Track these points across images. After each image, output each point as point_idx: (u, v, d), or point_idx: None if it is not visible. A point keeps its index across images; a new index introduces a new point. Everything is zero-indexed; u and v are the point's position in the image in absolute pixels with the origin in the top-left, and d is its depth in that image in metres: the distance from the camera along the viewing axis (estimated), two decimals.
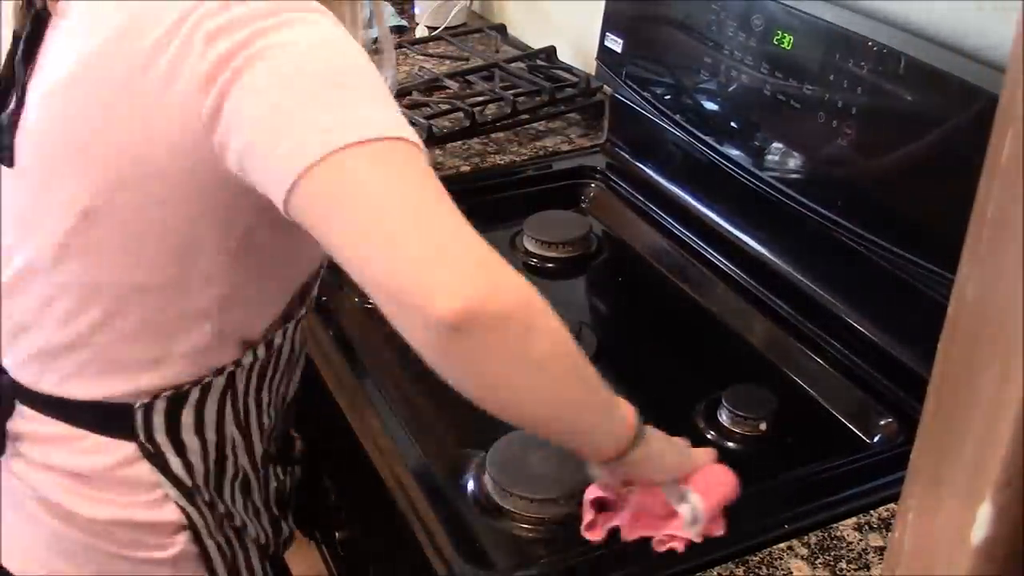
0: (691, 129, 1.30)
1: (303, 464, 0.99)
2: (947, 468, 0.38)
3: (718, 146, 1.25)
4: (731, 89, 1.22)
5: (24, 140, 0.79)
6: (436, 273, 0.61)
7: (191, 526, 0.84)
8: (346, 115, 0.66)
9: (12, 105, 0.79)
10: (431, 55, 1.84)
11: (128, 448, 0.82)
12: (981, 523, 0.36)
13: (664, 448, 0.79)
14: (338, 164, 0.64)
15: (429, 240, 0.62)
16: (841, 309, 1.11)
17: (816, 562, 0.83)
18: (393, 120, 0.67)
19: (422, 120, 1.45)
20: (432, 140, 1.46)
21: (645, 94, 1.38)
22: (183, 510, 0.84)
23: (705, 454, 0.82)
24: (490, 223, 1.39)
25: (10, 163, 0.79)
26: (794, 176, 1.15)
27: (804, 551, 0.85)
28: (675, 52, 1.32)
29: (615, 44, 1.43)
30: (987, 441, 0.35)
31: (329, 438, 1.01)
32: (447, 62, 1.80)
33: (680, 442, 0.82)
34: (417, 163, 0.65)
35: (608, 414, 0.74)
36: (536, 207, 1.39)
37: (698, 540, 0.79)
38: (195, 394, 0.82)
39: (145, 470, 0.83)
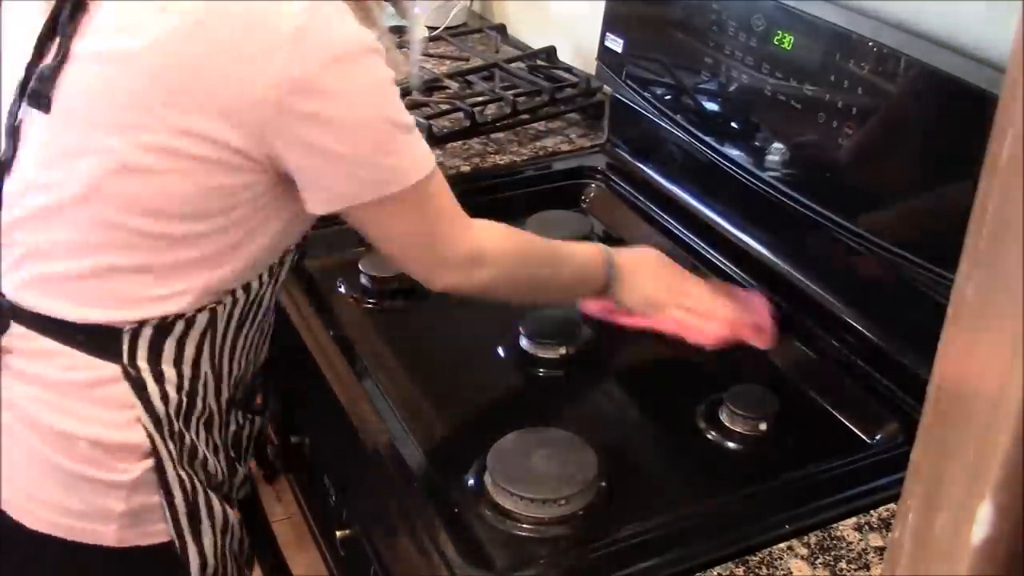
0: (691, 129, 1.30)
1: (263, 415, 1.07)
2: (947, 468, 0.38)
3: (718, 146, 1.25)
4: (731, 89, 1.22)
5: (66, 90, 0.87)
6: (434, 277, 0.98)
7: (155, 453, 0.90)
8: (401, 158, 0.89)
9: (53, 58, 0.88)
10: (431, 55, 1.84)
11: (110, 368, 0.89)
12: (981, 523, 0.36)
13: (639, 283, 1.12)
14: (394, 203, 0.90)
15: (433, 258, 0.97)
16: (841, 309, 1.11)
17: (816, 562, 0.83)
18: (423, 160, 0.91)
19: (422, 120, 1.45)
20: (432, 140, 1.46)
21: (645, 94, 1.38)
22: (150, 436, 0.89)
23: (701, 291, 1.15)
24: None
25: (47, 109, 0.88)
26: (794, 176, 1.15)
27: (804, 551, 0.85)
28: (675, 52, 1.32)
29: (615, 44, 1.43)
30: (987, 441, 0.35)
31: (329, 438, 1.02)
32: (447, 62, 1.80)
33: (670, 279, 1.15)
34: (434, 193, 0.93)
35: (582, 286, 1.10)
36: (536, 207, 1.39)
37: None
38: (179, 327, 0.90)
39: (123, 391, 0.89)
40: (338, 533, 0.95)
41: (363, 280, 1.23)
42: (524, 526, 0.88)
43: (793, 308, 1.15)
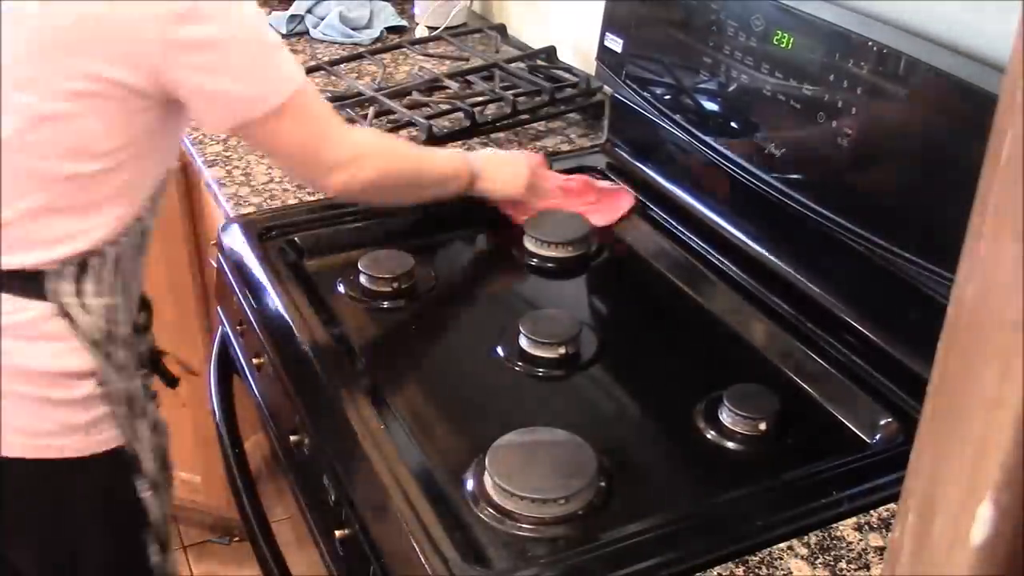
0: (691, 129, 1.30)
1: (149, 332, 1.19)
2: (947, 468, 0.38)
3: (718, 146, 1.25)
4: (731, 89, 1.22)
5: None
6: (321, 180, 1.14)
7: (95, 372, 1.05)
8: (280, 73, 1.03)
9: None
10: (431, 55, 1.84)
11: (44, 307, 1.02)
12: (981, 523, 0.36)
13: (496, 178, 1.29)
14: (287, 108, 1.02)
15: (322, 160, 1.10)
16: (841, 309, 1.11)
17: (816, 562, 0.83)
18: (298, 70, 1.05)
19: (422, 120, 1.45)
20: (432, 140, 1.46)
21: (645, 94, 1.38)
22: (89, 359, 1.05)
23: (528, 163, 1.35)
24: (490, 223, 1.40)
25: None
26: (794, 176, 1.15)
27: (804, 551, 0.85)
28: (675, 52, 1.32)
29: (615, 44, 1.43)
30: (987, 441, 0.35)
31: (329, 437, 1.02)
32: (447, 62, 1.80)
33: (515, 170, 1.32)
34: (313, 101, 1.07)
35: (448, 182, 1.24)
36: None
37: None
38: (95, 262, 1.03)
39: (60, 326, 1.03)
40: (338, 533, 0.95)
41: (363, 280, 1.22)
42: (524, 526, 0.88)
43: (793, 308, 1.15)
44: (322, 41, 1.98)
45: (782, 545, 0.85)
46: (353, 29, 1.98)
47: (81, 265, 1.02)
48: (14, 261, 1.01)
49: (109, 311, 1.06)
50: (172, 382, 1.28)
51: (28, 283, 1.01)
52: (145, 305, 1.18)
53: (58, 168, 0.98)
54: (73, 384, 1.05)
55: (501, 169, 1.30)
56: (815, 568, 0.83)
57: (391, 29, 2.02)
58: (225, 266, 1.29)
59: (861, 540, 0.86)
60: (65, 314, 1.02)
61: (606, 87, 1.55)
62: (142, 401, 1.11)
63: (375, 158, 1.14)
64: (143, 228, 1.09)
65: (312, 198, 1.38)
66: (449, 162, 1.25)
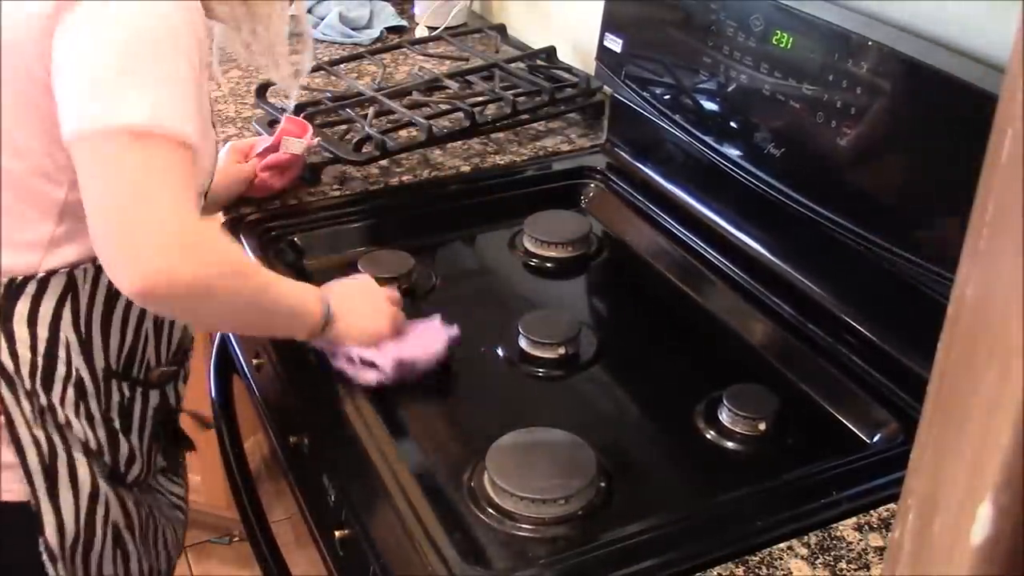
0: (691, 129, 1.30)
1: (161, 390, 1.04)
2: (947, 468, 0.38)
3: (718, 146, 1.25)
4: (731, 89, 1.22)
5: None
6: (121, 258, 0.81)
7: (5, 411, 0.90)
8: (126, 97, 0.81)
9: None
10: (431, 55, 1.84)
11: None
12: (981, 523, 0.36)
13: (353, 323, 1.00)
14: (98, 143, 0.81)
15: (128, 228, 0.80)
16: (841, 309, 1.11)
17: (816, 562, 0.83)
18: (158, 111, 0.81)
19: (422, 120, 1.45)
20: (432, 140, 1.46)
21: (645, 94, 1.38)
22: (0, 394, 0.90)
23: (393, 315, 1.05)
24: (490, 223, 1.40)
25: None
26: (794, 176, 1.15)
27: (804, 551, 0.85)
28: (675, 52, 1.32)
29: (615, 44, 1.43)
30: (987, 441, 0.35)
31: (329, 437, 1.02)
32: (447, 62, 1.80)
33: (375, 307, 1.04)
34: (158, 157, 0.81)
35: (293, 319, 0.96)
36: (536, 207, 1.39)
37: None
38: (31, 287, 0.90)
39: None
40: (337, 533, 0.95)
41: None
42: (524, 526, 0.88)
43: (793, 308, 1.15)
44: (322, 41, 1.98)
45: (782, 545, 0.85)
46: (353, 29, 1.98)
47: (10, 288, 0.89)
48: None
49: (45, 346, 0.91)
50: (183, 444, 1.11)
51: None
52: (175, 358, 1.03)
53: None
54: None
55: (359, 308, 1.03)
56: (815, 568, 0.83)
57: (391, 29, 2.02)
58: None
59: (861, 540, 0.86)
60: None
61: (606, 87, 1.55)
62: (75, 460, 0.93)
63: (213, 255, 0.85)
64: (97, 276, 0.93)
65: (312, 198, 1.38)
66: (301, 294, 0.97)
